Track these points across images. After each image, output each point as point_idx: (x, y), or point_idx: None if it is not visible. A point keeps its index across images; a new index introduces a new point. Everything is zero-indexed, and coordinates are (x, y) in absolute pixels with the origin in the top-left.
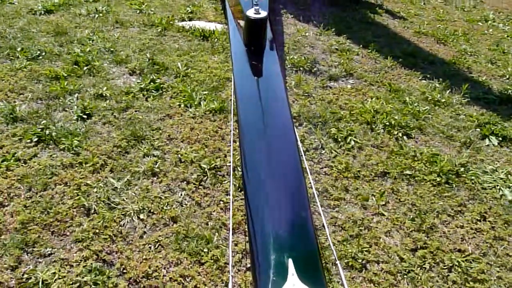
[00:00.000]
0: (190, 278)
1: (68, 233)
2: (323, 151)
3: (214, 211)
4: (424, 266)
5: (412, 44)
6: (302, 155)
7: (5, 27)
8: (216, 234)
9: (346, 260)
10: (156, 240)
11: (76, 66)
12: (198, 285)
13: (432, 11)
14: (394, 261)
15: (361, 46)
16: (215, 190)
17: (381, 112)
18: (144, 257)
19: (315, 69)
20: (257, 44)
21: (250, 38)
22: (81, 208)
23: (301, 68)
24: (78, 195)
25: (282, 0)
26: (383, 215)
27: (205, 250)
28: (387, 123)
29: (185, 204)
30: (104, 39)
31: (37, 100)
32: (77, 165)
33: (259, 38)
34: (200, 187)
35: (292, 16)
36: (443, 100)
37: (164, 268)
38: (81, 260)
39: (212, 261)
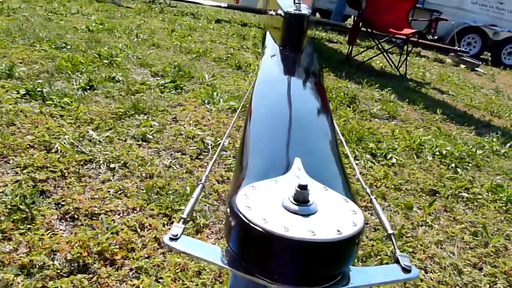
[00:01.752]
0: (148, 227)
1: (11, 160)
2: (357, 161)
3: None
4: None
5: (462, 110)
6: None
7: (41, 29)
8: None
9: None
10: (121, 188)
11: (97, 57)
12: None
13: (482, 97)
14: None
15: (406, 101)
16: (214, 166)
17: (429, 143)
18: (96, 197)
19: (354, 105)
20: (294, 45)
21: (287, 36)
22: (41, 146)
23: (338, 101)
24: (43, 135)
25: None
26: (432, 227)
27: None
28: (437, 153)
29: (173, 168)
30: (135, 51)
31: (43, 71)
32: (57, 115)
33: (298, 37)
34: (196, 160)
35: (334, 75)
36: (502, 151)
37: (119, 214)
38: (10, 183)
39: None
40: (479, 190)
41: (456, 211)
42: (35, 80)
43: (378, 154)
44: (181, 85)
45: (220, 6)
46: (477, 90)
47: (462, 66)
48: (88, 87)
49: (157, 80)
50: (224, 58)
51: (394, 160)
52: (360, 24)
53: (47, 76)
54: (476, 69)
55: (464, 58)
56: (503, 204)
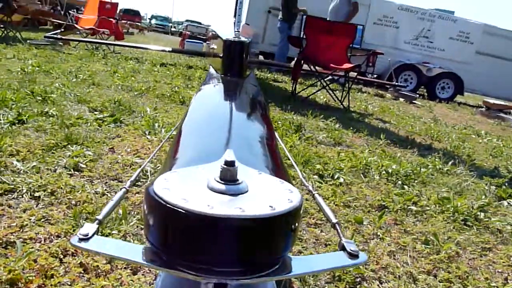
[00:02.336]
0: (74, 252)
1: None
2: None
3: None
4: None
5: (405, 136)
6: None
7: None
8: None
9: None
10: (45, 215)
11: (30, 94)
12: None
13: (422, 125)
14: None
15: (351, 129)
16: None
17: (375, 163)
18: (13, 225)
19: (300, 133)
20: (235, 70)
21: (228, 64)
22: None
23: (285, 129)
24: None
25: (267, 99)
26: (383, 239)
27: None
28: (383, 172)
29: (107, 195)
30: (73, 90)
31: None
32: None
33: (239, 64)
34: (133, 187)
35: (279, 109)
36: (445, 169)
37: (40, 241)
38: None
39: None
40: (426, 203)
41: (406, 223)
42: None
43: (326, 175)
44: (121, 119)
45: (164, 50)
46: (417, 119)
47: (401, 99)
48: (17, 121)
49: (95, 114)
50: (168, 95)
51: (341, 180)
52: (302, 61)
53: None
54: (414, 101)
55: (403, 92)
56: (451, 215)
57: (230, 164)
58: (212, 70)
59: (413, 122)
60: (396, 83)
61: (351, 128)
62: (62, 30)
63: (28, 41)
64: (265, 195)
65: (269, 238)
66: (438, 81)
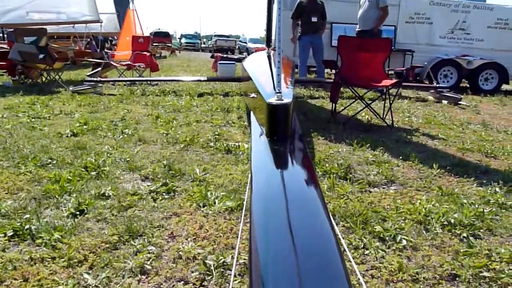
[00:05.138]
0: None
1: None
2: (367, 251)
3: None
4: None
5: (457, 157)
6: (346, 252)
7: (26, 144)
8: None
9: None
10: None
11: (84, 171)
12: None
13: (472, 134)
14: None
15: (401, 158)
16: None
17: (435, 212)
18: None
19: (350, 175)
20: (280, 133)
21: (272, 126)
22: None
23: (334, 174)
24: None
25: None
26: None
27: None
28: (445, 223)
29: None
30: (122, 152)
31: (30, 199)
32: (48, 259)
33: (283, 126)
34: (201, 287)
35: (323, 137)
36: (509, 203)
37: None
38: None
39: None
40: (499, 266)
41: None
42: (22, 214)
43: (387, 238)
44: (173, 188)
45: (200, 80)
46: (465, 128)
47: (444, 102)
48: (78, 212)
49: (148, 186)
50: (212, 143)
51: (404, 242)
52: (340, 82)
53: (34, 206)
54: (459, 102)
55: (445, 94)
56: None
57: None
58: (255, 129)
59: (462, 132)
60: (437, 85)
61: (400, 156)
62: (101, 68)
63: (71, 88)
64: None
65: None
66: (480, 72)
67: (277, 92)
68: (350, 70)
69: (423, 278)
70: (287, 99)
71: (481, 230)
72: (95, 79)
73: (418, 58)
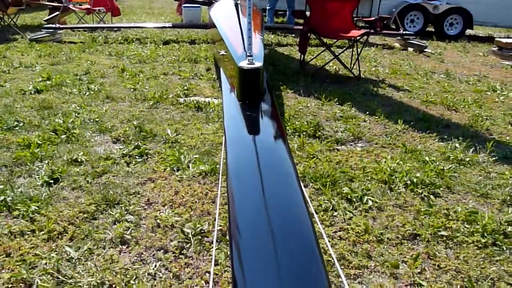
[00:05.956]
0: None
1: None
2: (336, 213)
3: (196, 285)
4: None
5: (421, 111)
6: (314, 218)
7: None
8: None
9: None
10: None
11: (53, 134)
12: None
13: (436, 84)
14: None
15: (367, 113)
16: (199, 260)
17: (399, 171)
18: None
19: (319, 133)
20: (252, 98)
21: (245, 91)
22: (20, 284)
23: (304, 133)
24: (20, 271)
25: (279, 78)
26: (421, 285)
27: None
28: (408, 182)
29: (159, 277)
30: (90, 112)
31: (1, 166)
32: (28, 232)
33: (254, 90)
34: (180, 256)
35: (292, 91)
36: (467, 159)
37: None
38: None
39: None
40: (456, 225)
41: (439, 257)
42: None
43: (354, 199)
44: (146, 151)
45: (165, 27)
46: (429, 78)
47: (410, 49)
48: (52, 181)
49: (120, 149)
50: (182, 99)
51: (370, 203)
52: (309, 33)
53: (7, 174)
54: (425, 50)
55: (411, 41)
56: (480, 236)
57: None
58: (226, 91)
59: (426, 83)
60: (404, 32)
61: (367, 111)
62: (59, 13)
63: (28, 37)
64: None
65: None
66: (446, 17)
67: (248, 56)
68: (319, 20)
69: (387, 238)
70: (258, 63)
71: (441, 189)
72: (53, 25)
73: (386, 2)
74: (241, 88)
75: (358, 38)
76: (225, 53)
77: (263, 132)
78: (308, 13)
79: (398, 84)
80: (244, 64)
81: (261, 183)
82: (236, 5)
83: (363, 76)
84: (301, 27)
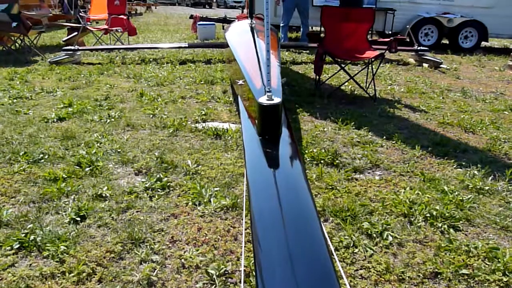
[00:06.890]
0: None
1: None
2: (356, 250)
3: None
4: None
5: (438, 134)
6: (333, 256)
7: (13, 134)
8: None
9: None
10: None
11: (78, 167)
12: None
13: (452, 104)
14: None
15: (384, 138)
16: None
17: (418, 203)
18: None
19: (337, 161)
20: (272, 133)
21: (264, 126)
22: None
23: (322, 161)
24: None
25: (294, 99)
26: None
27: None
28: (428, 215)
29: None
30: (112, 142)
31: (29, 203)
32: (58, 275)
33: (274, 126)
34: None
35: (308, 114)
36: (486, 188)
37: None
38: None
39: None
40: (476, 262)
41: None
42: (24, 222)
43: (374, 234)
44: (167, 183)
45: (181, 47)
46: (445, 96)
47: (425, 65)
48: (78, 218)
49: (142, 182)
50: (200, 125)
51: (390, 239)
52: (324, 55)
53: (35, 211)
54: (440, 66)
55: (426, 57)
56: (502, 275)
57: None
58: (246, 123)
59: (442, 102)
60: (418, 48)
61: (384, 135)
62: (78, 33)
63: (48, 60)
64: None
65: None
66: (460, 30)
67: (267, 91)
68: (334, 41)
69: (408, 277)
70: (277, 99)
71: (461, 222)
72: (73, 47)
73: (400, 17)
74: (261, 124)
75: (373, 59)
76: (243, 83)
77: (283, 169)
78: (322, 35)
79: (414, 104)
80: (263, 100)
81: (283, 222)
82: (252, 29)
83: (379, 96)
84: (315, 45)
